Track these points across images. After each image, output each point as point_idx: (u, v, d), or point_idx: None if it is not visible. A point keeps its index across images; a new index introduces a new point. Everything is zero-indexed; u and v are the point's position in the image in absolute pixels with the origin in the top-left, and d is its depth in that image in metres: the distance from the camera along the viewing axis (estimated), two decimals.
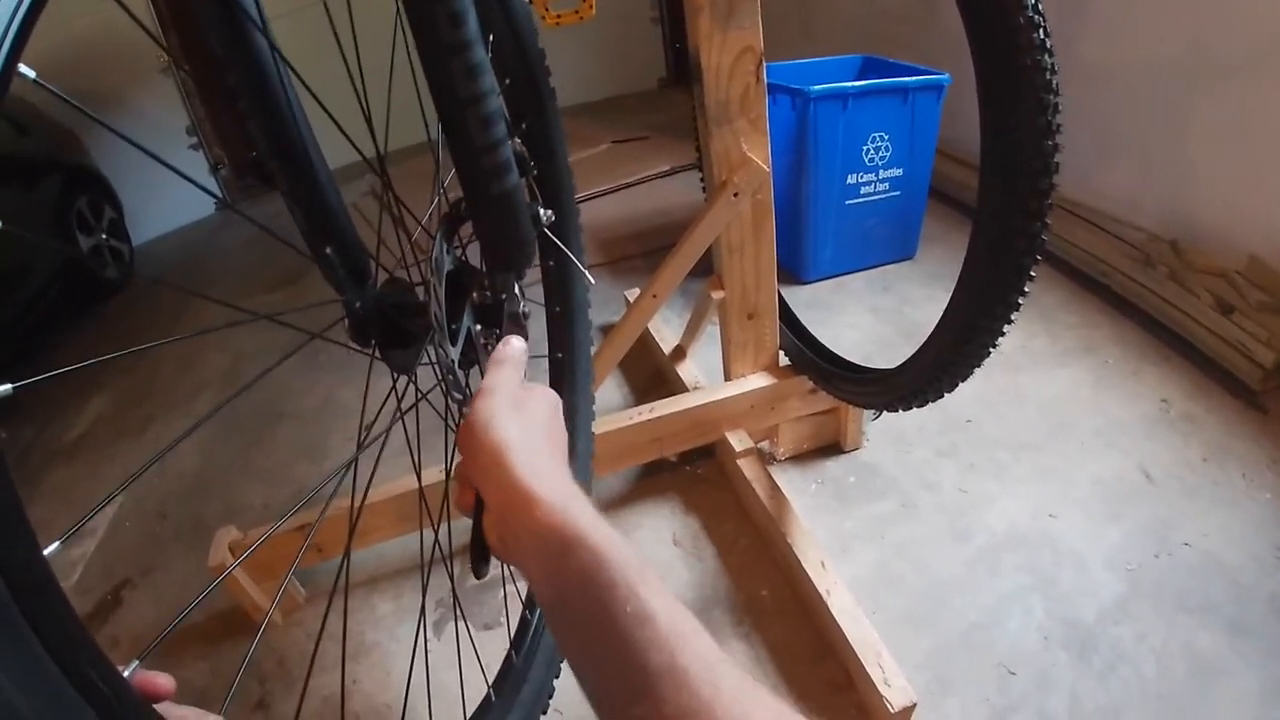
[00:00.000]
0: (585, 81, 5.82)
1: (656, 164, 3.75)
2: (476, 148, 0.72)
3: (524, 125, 1.15)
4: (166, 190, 4.44)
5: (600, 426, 1.69)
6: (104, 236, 3.92)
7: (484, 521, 0.60)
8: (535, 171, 0.87)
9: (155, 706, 0.48)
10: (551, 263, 1.25)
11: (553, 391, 0.70)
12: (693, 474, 1.92)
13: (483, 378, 0.76)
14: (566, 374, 1.29)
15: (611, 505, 1.86)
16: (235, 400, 2.57)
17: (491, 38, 1.06)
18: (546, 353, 1.30)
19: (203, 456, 2.36)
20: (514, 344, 0.72)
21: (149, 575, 1.92)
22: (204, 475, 2.28)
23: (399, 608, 1.69)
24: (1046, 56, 0.93)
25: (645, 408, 1.74)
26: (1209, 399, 2.04)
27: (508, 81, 1.10)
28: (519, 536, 0.55)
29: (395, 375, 0.86)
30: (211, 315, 3.51)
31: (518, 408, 0.63)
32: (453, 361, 0.78)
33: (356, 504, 1.31)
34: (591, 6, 1.56)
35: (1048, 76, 0.93)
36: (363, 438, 0.88)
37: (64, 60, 4.03)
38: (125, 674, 0.46)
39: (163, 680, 0.52)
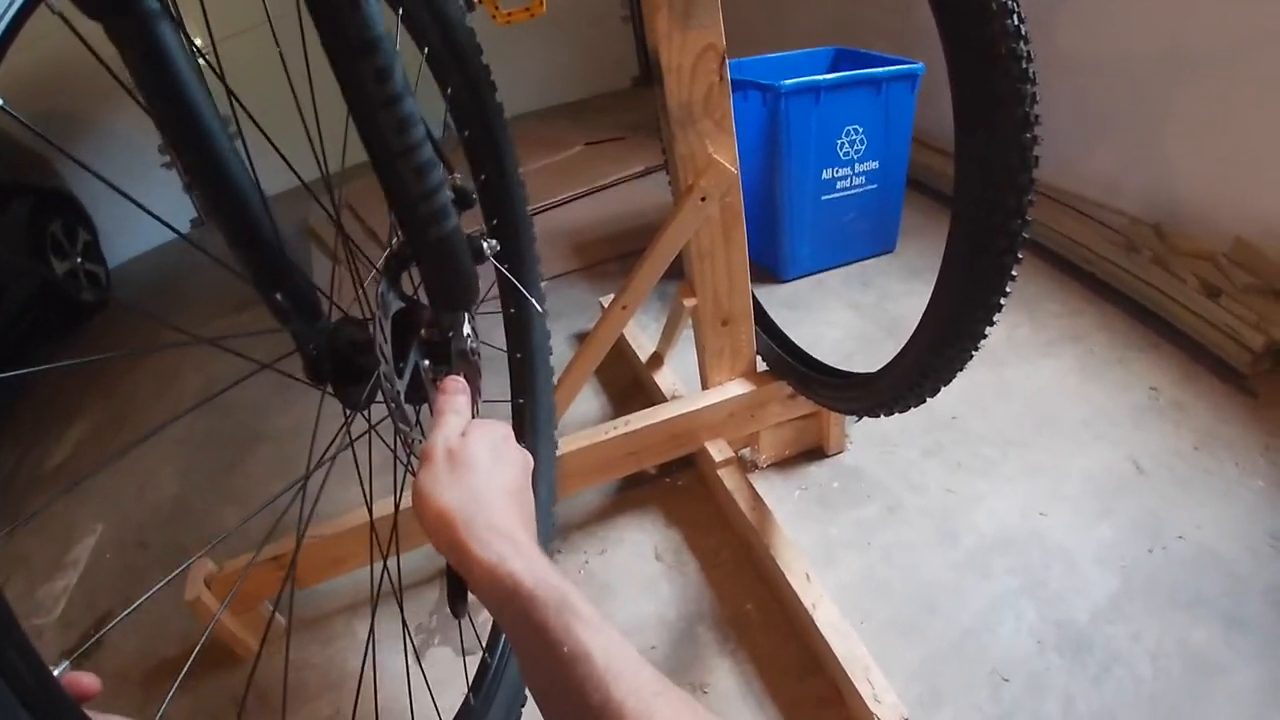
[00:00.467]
0: (558, 82, 5.78)
1: (631, 165, 3.71)
2: (412, 196, 0.73)
3: (483, 178, 1.17)
4: (140, 211, 4.40)
5: (577, 441, 1.67)
6: (79, 259, 3.89)
7: None
8: (475, 201, 0.87)
9: (83, 708, 0.49)
10: (512, 310, 1.26)
11: (496, 424, 0.72)
12: (673, 486, 1.88)
13: (432, 413, 0.76)
14: (528, 419, 1.29)
15: (591, 521, 1.82)
16: (212, 423, 2.54)
17: (449, 90, 1.06)
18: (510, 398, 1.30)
19: (181, 482, 2.32)
20: (449, 389, 0.76)
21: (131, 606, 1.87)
22: (183, 501, 2.24)
23: (379, 634, 1.63)
24: (1022, 44, 0.87)
25: (620, 421, 1.70)
26: (1198, 385, 2.01)
27: (466, 133, 1.11)
28: (473, 589, 0.60)
29: (346, 411, 0.86)
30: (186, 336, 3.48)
31: (455, 467, 0.66)
32: (398, 394, 0.78)
33: (301, 539, 1.29)
34: (542, 4, 1.51)
35: (1024, 65, 0.88)
36: (310, 468, 0.88)
37: (33, 82, 3.98)
38: (55, 673, 0.47)
39: (88, 680, 0.54)
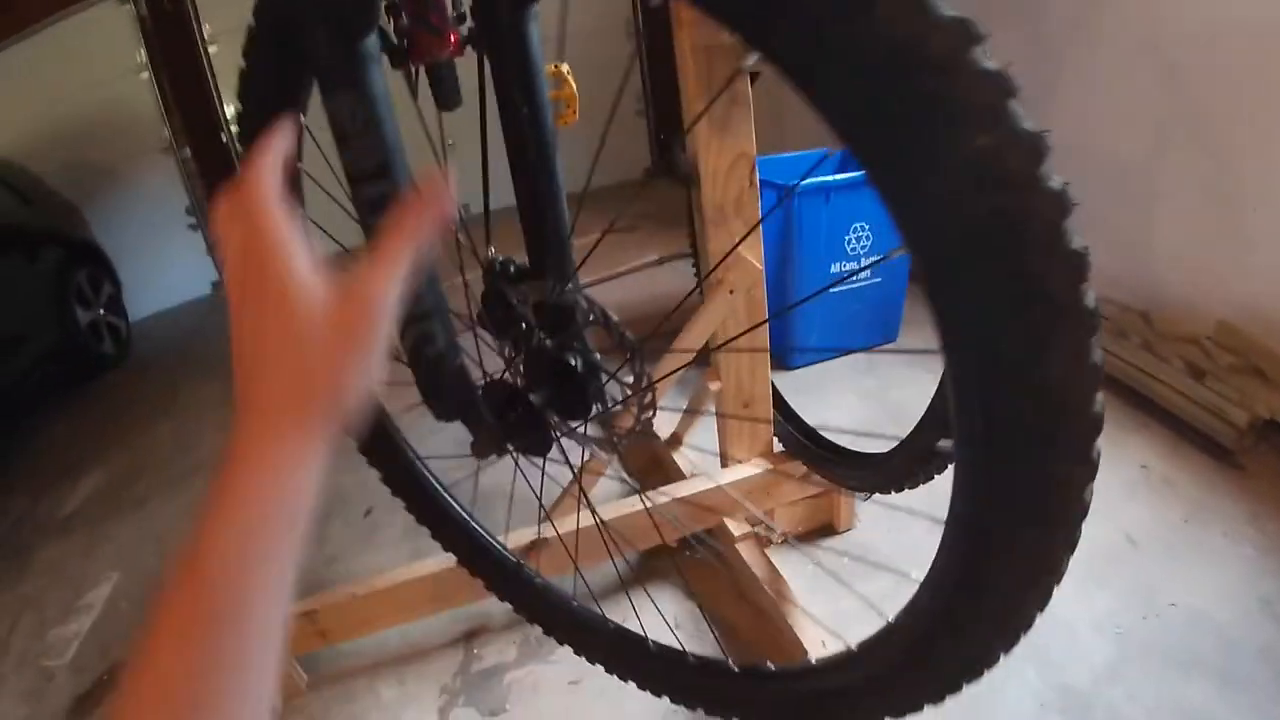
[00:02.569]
0: (573, 172, 5.84)
1: (646, 253, 3.82)
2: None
3: None
4: (164, 268, 4.46)
5: (602, 514, 1.71)
6: (101, 312, 3.93)
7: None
8: None
9: None
10: None
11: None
12: (692, 559, 1.93)
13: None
14: None
15: (614, 589, 1.87)
16: None
17: None
18: None
19: None
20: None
21: None
22: None
23: (403, 694, 1.71)
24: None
25: (644, 496, 1.77)
26: (1187, 461, 2.10)
27: None
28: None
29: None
30: (206, 394, 3.51)
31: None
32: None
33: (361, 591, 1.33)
34: (575, 113, 1.63)
35: None
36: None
37: (66, 137, 4.07)
38: None
39: None
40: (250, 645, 0.42)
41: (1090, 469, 0.55)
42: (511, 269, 0.88)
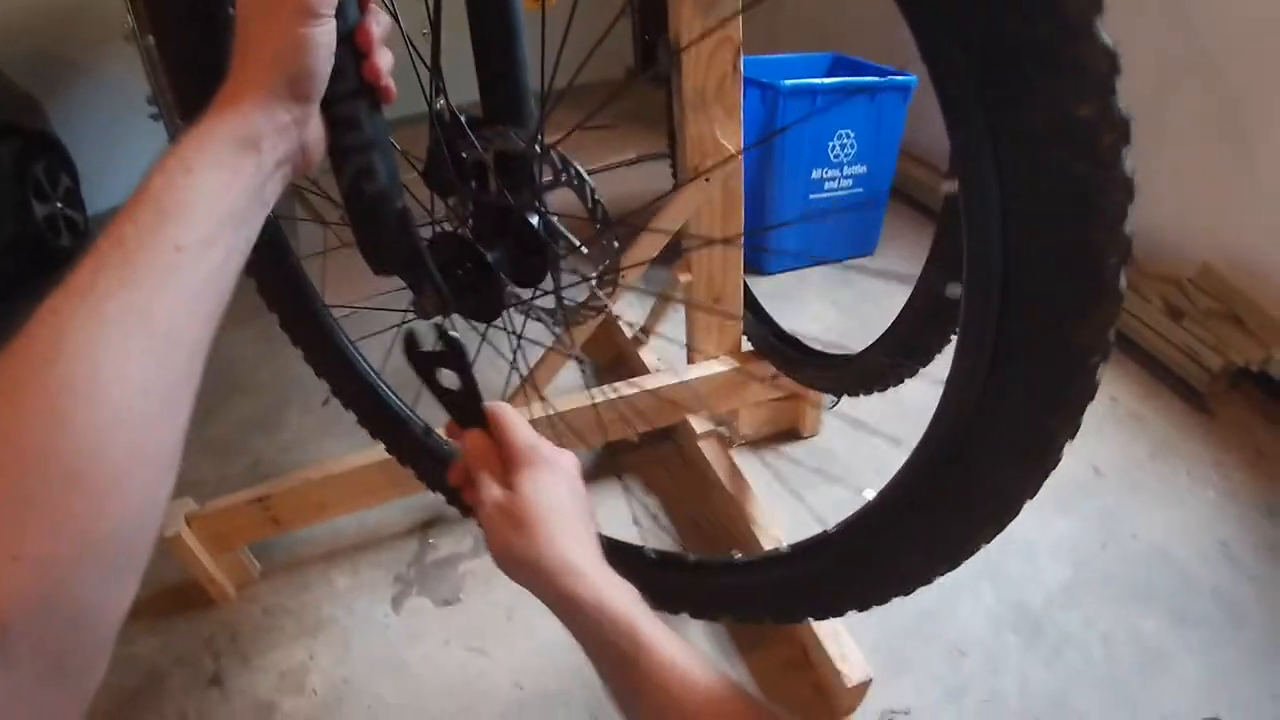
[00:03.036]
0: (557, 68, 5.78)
1: (623, 152, 3.74)
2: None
3: None
4: (124, 160, 4.33)
5: (560, 406, 1.67)
6: (59, 205, 3.83)
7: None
8: None
9: None
10: None
11: (569, 455, 0.73)
12: (653, 455, 1.92)
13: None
14: None
15: None
16: None
17: None
18: None
19: None
20: (469, 451, 0.74)
21: None
22: None
23: (356, 582, 1.68)
24: None
25: (606, 388, 1.73)
26: (1157, 400, 2.10)
27: None
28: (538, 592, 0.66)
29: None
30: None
31: (514, 525, 0.67)
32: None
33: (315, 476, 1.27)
34: None
35: None
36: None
37: (23, 23, 3.94)
38: None
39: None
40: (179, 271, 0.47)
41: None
42: (463, 118, 0.80)
